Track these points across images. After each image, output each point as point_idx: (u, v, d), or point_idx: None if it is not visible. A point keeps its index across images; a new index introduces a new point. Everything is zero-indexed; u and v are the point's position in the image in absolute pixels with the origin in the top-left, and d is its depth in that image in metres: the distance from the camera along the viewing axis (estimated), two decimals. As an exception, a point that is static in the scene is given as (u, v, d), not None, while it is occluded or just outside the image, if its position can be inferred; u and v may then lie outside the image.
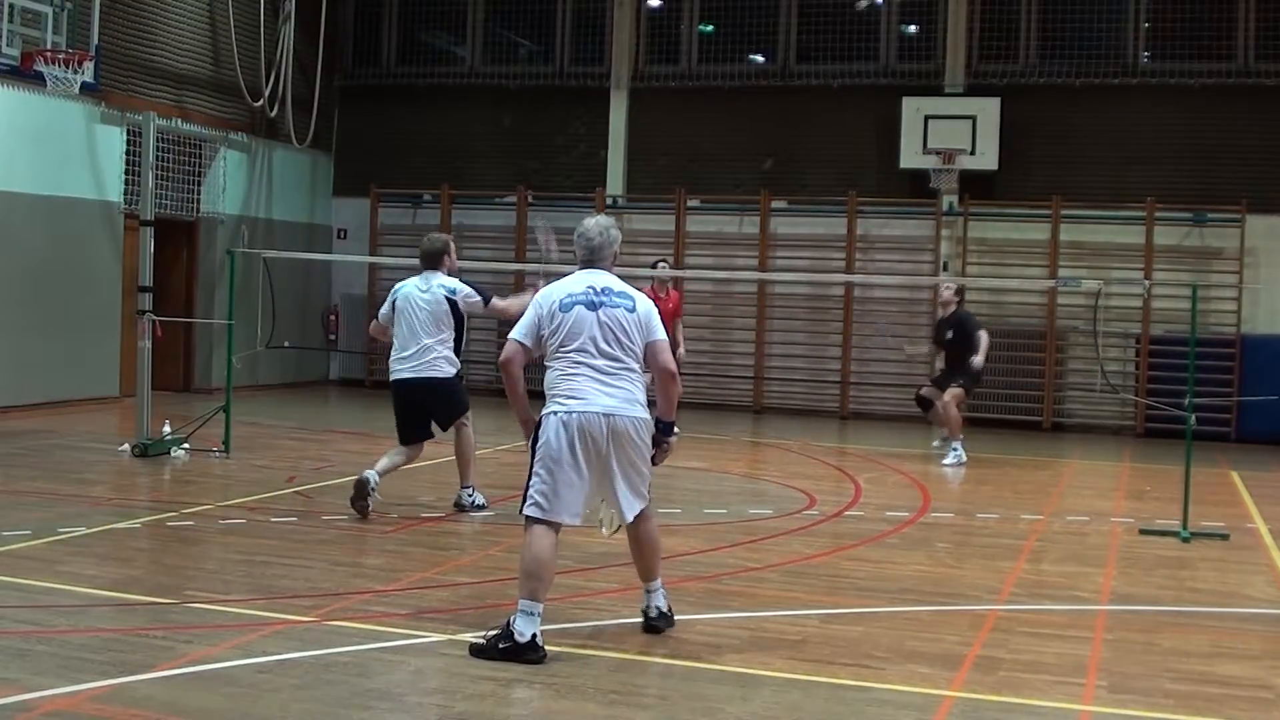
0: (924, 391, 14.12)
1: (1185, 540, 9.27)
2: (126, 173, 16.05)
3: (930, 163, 17.51)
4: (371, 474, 9.11)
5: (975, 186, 17.72)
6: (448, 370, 9.35)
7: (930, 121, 17.53)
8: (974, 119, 17.40)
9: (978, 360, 13.42)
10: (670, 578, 7.58)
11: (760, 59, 19.09)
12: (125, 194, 16.10)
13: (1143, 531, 9.63)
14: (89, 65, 14.89)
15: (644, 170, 19.29)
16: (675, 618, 6.48)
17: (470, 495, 9.61)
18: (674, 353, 6.83)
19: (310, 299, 19.89)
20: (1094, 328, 15.47)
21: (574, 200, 19.23)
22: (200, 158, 17.65)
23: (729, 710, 5.28)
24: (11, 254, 14.62)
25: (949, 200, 17.80)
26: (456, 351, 9.42)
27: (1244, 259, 16.88)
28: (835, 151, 18.48)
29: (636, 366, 6.18)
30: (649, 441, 6.20)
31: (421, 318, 9.26)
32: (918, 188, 17.89)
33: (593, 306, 6.13)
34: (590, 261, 6.32)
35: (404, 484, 10.90)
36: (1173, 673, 6.01)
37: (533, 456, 6.08)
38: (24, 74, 14.39)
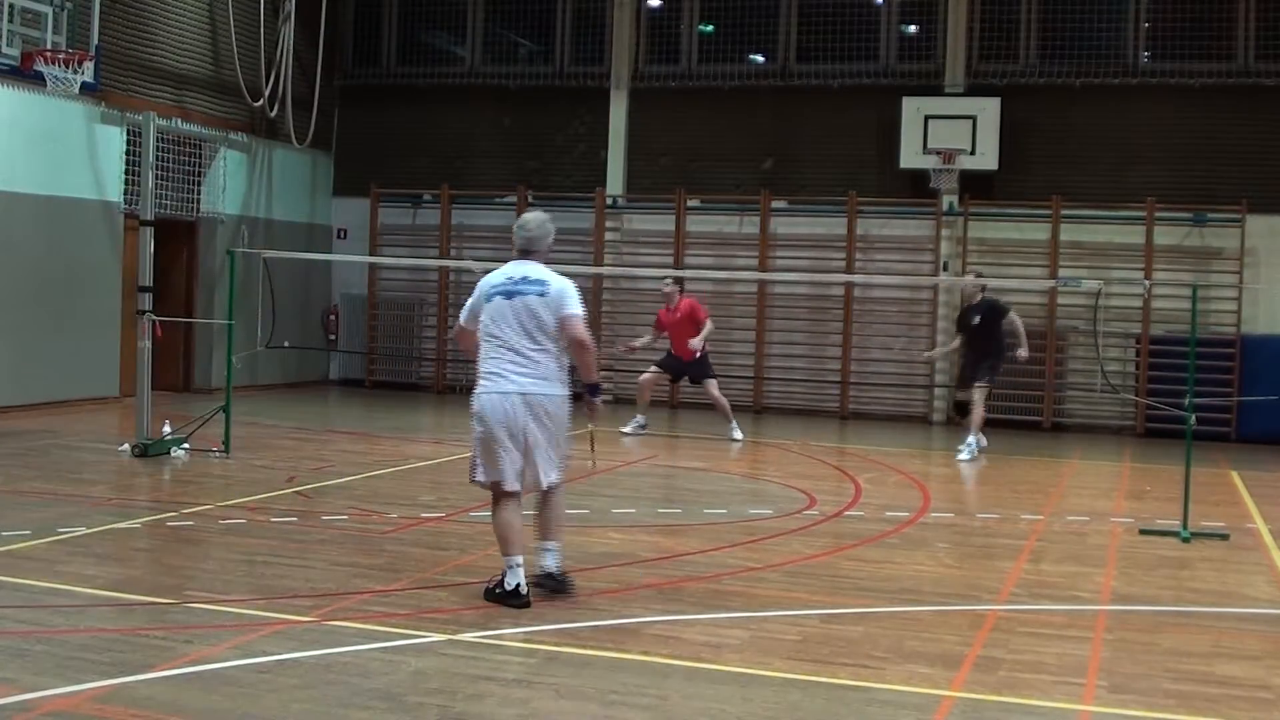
0: (961, 396, 14.28)
1: (1185, 540, 9.27)
2: (126, 173, 16.04)
3: (930, 163, 17.51)
4: None
5: (975, 186, 17.72)
6: None
7: (930, 121, 17.52)
8: (974, 119, 17.39)
9: (1023, 353, 13.94)
10: (670, 578, 7.61)
11: (760, 59, 19.09)
12: (125, 194, 16.09)
13: (1143, 531, 9.63)
14: (89, 65, 14.88)
15: (644, 170, 19.29)
16: (574, 584, 7.03)
17: None
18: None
19: (310, 299, 19.89)
20: (1094, 328, 15.47)
21: (574, 200, 19.24)
22: (200, 158, 17.65)
23: (729, 710, 5.28)
24: (12, 254, 14.62)
25: (949, 200, 17.80)
26: None
27: (1244, 259, 16.88)
28: (835, 151, 18.47)
29: (552, 346, 6.92)
30: (565, 417, 6.98)
31: None
32: (918, 188, 17.88)
33: (509, 295, 6.96)
34: (525, 251, 7.11)
35: (404, 484, 10.91)
36: (1173, 673, 6.01)
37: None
38: (24, 74, 14.39)
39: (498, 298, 6.97)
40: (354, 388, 20.01)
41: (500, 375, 6.87)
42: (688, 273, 17.87)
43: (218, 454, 11.73)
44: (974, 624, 6.80)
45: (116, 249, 16.05)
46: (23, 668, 5.47)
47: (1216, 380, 16.07)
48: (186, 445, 11.93)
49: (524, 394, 6.83)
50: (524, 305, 6.91)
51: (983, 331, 13.87)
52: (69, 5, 15.04)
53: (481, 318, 7.02)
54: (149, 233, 12.09)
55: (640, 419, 15.03)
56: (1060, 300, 17.17)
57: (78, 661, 5.57)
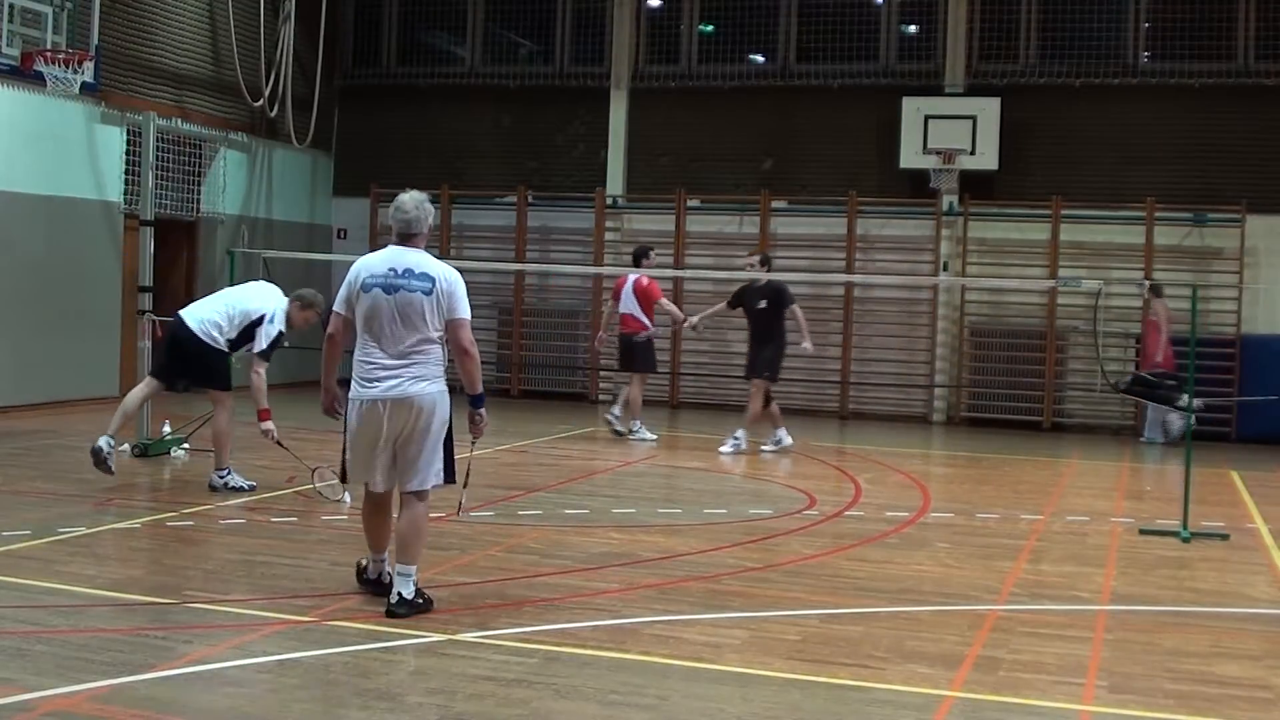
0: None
1: (1185, 540, 9.27)
2: (126, 173, 16.04)
3: (930, 163, 17.50)
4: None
5: (975, 186, 17.72)
6: None
7: (930, 121, 17.51)
8: (974, 119, 17.38)
9: (808, 345, 13.73)
10: (670, 578, 7.61)
11: (760, 59, 19.08)
12: (125, 194, 16.09)
13: (1143, 531, 9.63)
14: (89, 65, 14.87)
15: (644, 170, 19.29)
16: (432, 602, 6.59)
17: None
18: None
19: (310, 299, 19.85)
20: (1094, 328, 15.47)
21: (574, 200, 19.24)
22: (200, 158, 17.64)
23: (729, 710, 5.28)
24: (11, 254, 14.61)
25: (949, 200, 17.79)
26: None
27: (1244, 259, 16.87)
28: (835, 151, 18.47)
29: (429, 347, 6.47)
30: (442, 420, 6.55)
31: None
32: (918, 188, 17.88)
33: (390, 290, 6.44)
34: (405, 235, 6.58)
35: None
36: (1173, 673, 6.01)
37: (345, 433, 6.70)
38: (24, 74, 14.38)
39: (376, 290, 6.44)
40: (354, 388, 19.96)
41: (372, 380, 6.47)
42: (687, 273, 17.90)
43: (218, 454, 11.71)
44: (974, 624, 6.80)
45: (116, 249, 16.04)
46: (23, 668, 5.47)
47: (1216, 380, 16.06)
48: (186, 445, 11.93)
49: (400, 398, 6.43)
50: (406, 302, 6.41)
51: (767, 317, 13.59)
52: (69, 5, 15.03)
53: (356, 309, 6.52)
54: (149, 233, 12.10)
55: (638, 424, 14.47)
56: (1060, 300, 17.17)
57: (78, 661, 5.57)
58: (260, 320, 9.97)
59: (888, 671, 5.85)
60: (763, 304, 13.66)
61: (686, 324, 14.63)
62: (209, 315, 10.09)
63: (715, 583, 7.58)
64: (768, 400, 13.97)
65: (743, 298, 14.03)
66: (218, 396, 10.15)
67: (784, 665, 5.90)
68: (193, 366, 10.20)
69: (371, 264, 6.54)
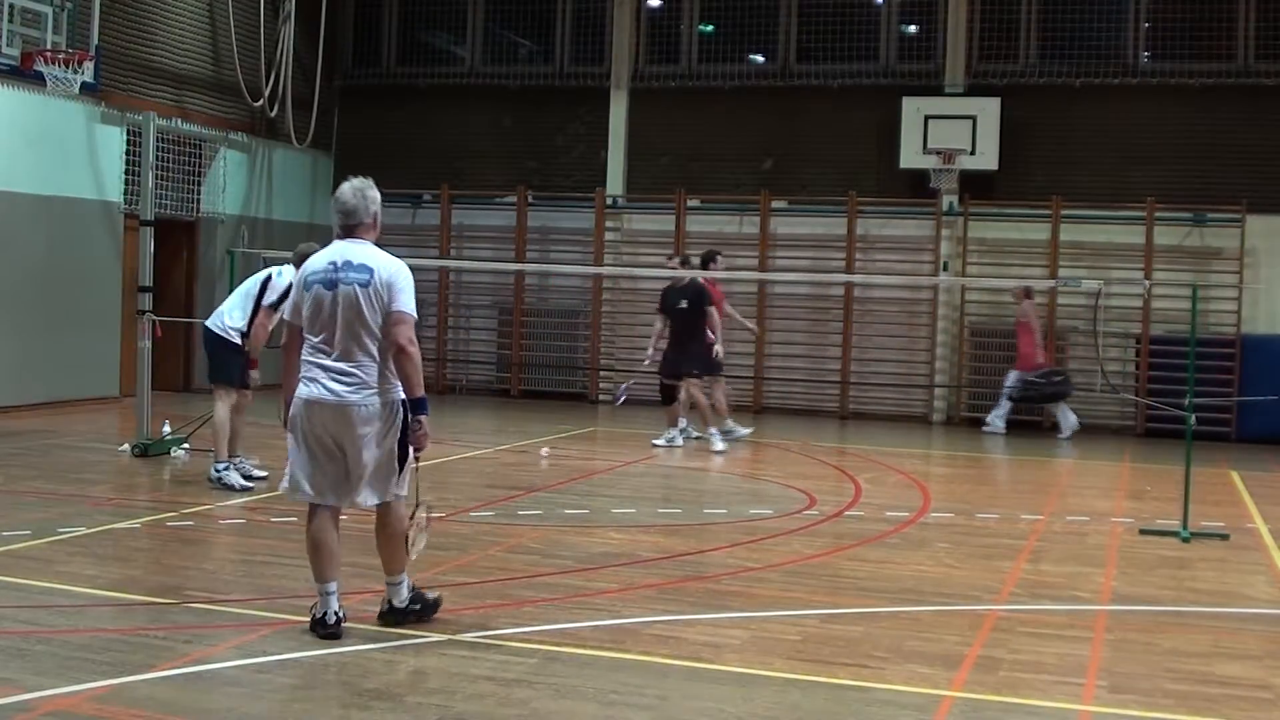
0: (668, 381, 13.85)
1: (1185, 540, 9.27)
2: (126, 173, 16.04)
3: (930, 163, 17.50)
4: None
5: (975, 186, 17.72)
6: None
7: (930, 121, 17.51)
8: (974, 119, 17.39)
9: (719, 349, 13.70)
10: (670, 578, 7.61)
11: (760, 59, 19.09)
12: (125, 194, 16.09)
13: (1143, 531, 9.62)
14: (89, 65, 14.88)
15: (644, 170, 19.29)
16: (431, 605, 6.35)
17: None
18: None
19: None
20: (1094, 328, 15.47)
21: (574, 200, 19.24)
22: (200, 158, 17.64)
23: (729, 710, 5.28)
24: (12, 254, 14.62)
25: (949, 200, 17.79)
26: None
27: (1244, 259, 16.87)
28: (835, 151, 18.47)
29: (373, 347, 5.94)
30: (391, 428, 6.00)
31: None
32: (918, 188, 17.88)
33: (330, 285, 5.96)
34: (346, 228, 6.10)
35: (404, 484, 10.90)
36: (1173, 673, 6.01)
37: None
38: (24, 74, 14.39)
39: (318, 287, 5.96)
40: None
41: (316, 381, 5.94)
42: (688, 273, 17.86)
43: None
44: (974, 624, 6.80)
45: (116, 249, 16.05)
46: (23, 668, 5.47)
47: (1216, 380, 16.05)
48: (186, 445, 11.93)
49: (341, 405, 5.91)
50: (346, 298, 5.90)
51: (689, 316, 13.59)
52: (69, 5, 15.03)
53: (303, 310, 6.03)
54: (149, 233, 12.10)
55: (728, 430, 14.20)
56: (1060, 300, 17.17)
57: (78, 661, 5.57)
58: (269, 278, 10.09)
59: (888, 671, 5.85)
60: (684, 304, 13.69)
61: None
62: (225, 310, 10.36)
63: (715, 583, 7.58)
64: (672, 398, 13.92)
65: (664, 299, 13.95)
66: (229, 392, 10.24)
67: (784, 665, 5.89)
68: (212, 360, 10.45)
69: (315, 261, 6.09)
